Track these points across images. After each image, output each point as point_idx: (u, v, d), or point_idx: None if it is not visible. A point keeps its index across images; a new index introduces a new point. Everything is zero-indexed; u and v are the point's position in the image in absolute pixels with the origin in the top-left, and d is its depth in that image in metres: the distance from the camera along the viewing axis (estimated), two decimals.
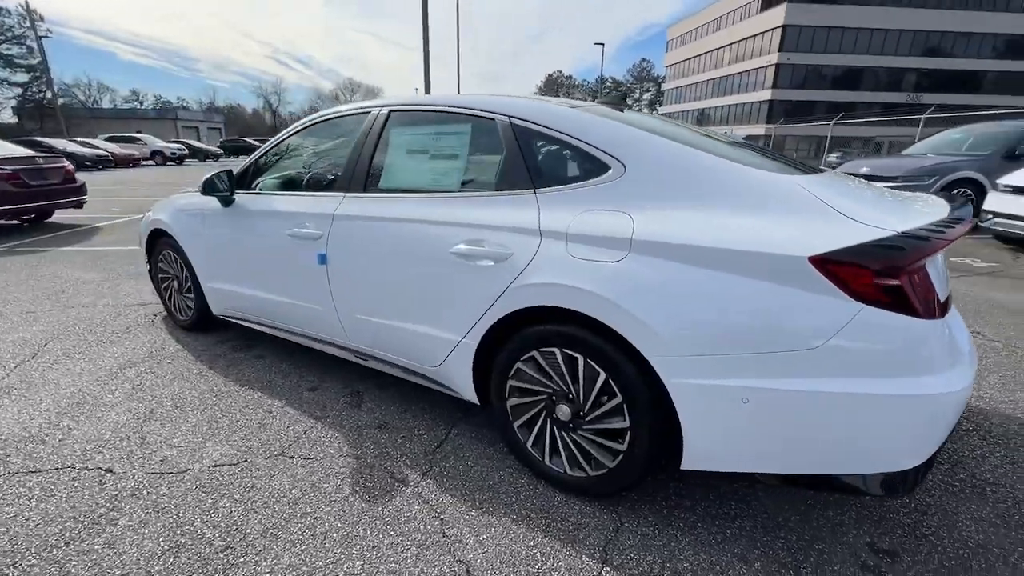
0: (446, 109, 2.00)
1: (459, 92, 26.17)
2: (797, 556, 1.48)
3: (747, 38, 46.62)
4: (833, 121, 21.90)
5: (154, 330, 3.21)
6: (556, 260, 1.56)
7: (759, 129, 43.31)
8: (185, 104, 64.88)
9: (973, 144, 7.31)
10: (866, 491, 1.29)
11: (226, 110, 68.61)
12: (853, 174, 5.55)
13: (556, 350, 1.62)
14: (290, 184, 2.59)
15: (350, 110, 2.37)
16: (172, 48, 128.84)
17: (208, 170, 4.23)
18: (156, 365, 2.71)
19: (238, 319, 2.87)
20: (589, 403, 1.61)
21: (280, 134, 2.62)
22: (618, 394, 1.52)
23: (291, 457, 1.94)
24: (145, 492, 1.73)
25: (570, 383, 1.63)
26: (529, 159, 1.74)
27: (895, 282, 1.19)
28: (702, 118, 54.64)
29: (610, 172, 1.58)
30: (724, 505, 1.69)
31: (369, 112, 2.25)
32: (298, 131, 2.56)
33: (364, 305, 2.15)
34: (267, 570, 1.43)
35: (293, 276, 2.39)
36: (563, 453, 1.72)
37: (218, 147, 31.38)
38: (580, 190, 1.61)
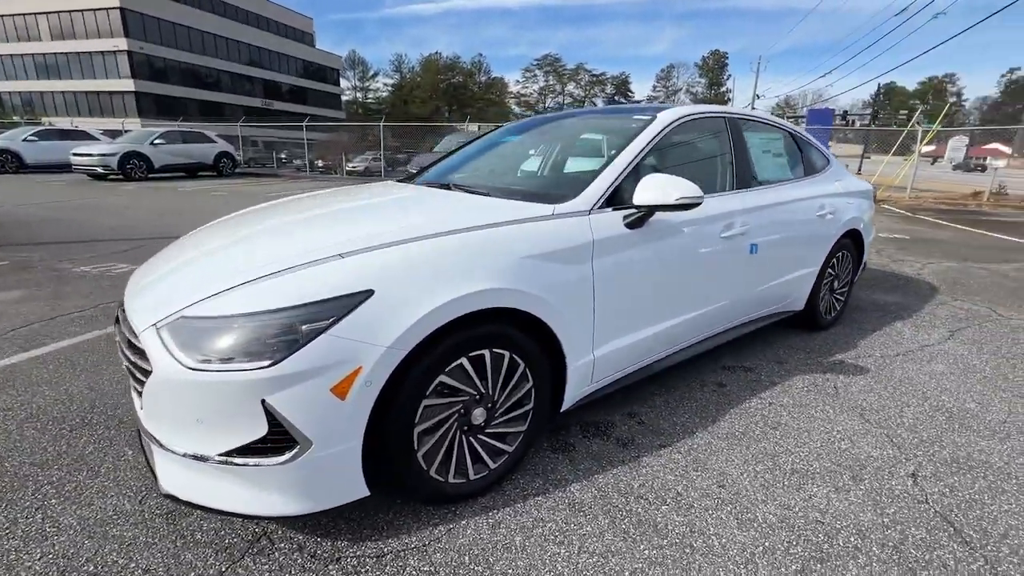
0: (769, 122, 2.82)
1: None
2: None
3: (74, 11, 38.15)
4: (240, 123, 23.73)
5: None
6: (849, 206, 3.12)
7: (134, 123, 38.12)
8: None
9: None
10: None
11: None
12: None
13: (844, 252, 3.20)
14: None
15: (701, 114, 2.42)
16: None
17: None
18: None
19: (603, 388, 2.04)
20: (845, 273, 3.31)
21: (644, 139, 2.08)
22: (854, 263, 3.34)
23: None
24: None
25: (838, 266, 3.26)
26: (807, 156, 3.06)
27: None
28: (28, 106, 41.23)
29: (829, 163, 3.24)
30: None
31: (722, 117, 2.52)
32: (665, 133, 2.18)
33: (764, 277, 2.64)
34: None
35: (716, 279, 2.33)
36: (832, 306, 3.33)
37: None
38: (828, 172, 3.19)
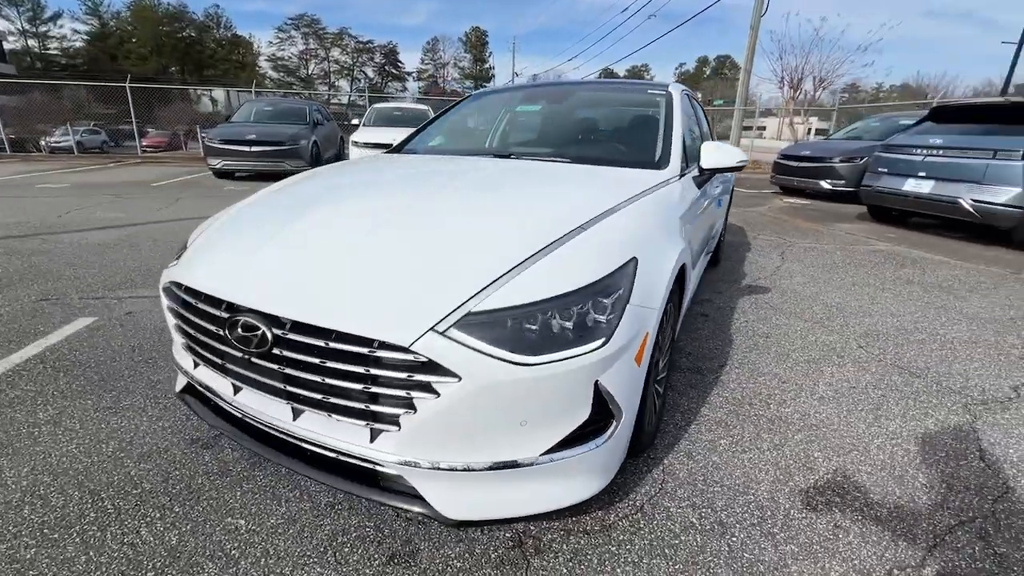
0: (695, 98, 3.39)
1: None
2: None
3: None
4: None
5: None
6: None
7: None
8: None
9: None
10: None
11: None
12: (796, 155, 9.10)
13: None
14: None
15: (685, 90, 2.81)
16: None
17: None
18: None
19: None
20: (726, 221, 4.30)
21: (680, 112, 2.39)
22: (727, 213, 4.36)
23: None
24: None
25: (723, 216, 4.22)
26: (704, 127, 3.83)
27: None
28: None
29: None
30: None
31: (688, 94, 2.97)
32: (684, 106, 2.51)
33: (716, 225, 3.31)
34: None
35: (712, 228, 2.85)
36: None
37: None
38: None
